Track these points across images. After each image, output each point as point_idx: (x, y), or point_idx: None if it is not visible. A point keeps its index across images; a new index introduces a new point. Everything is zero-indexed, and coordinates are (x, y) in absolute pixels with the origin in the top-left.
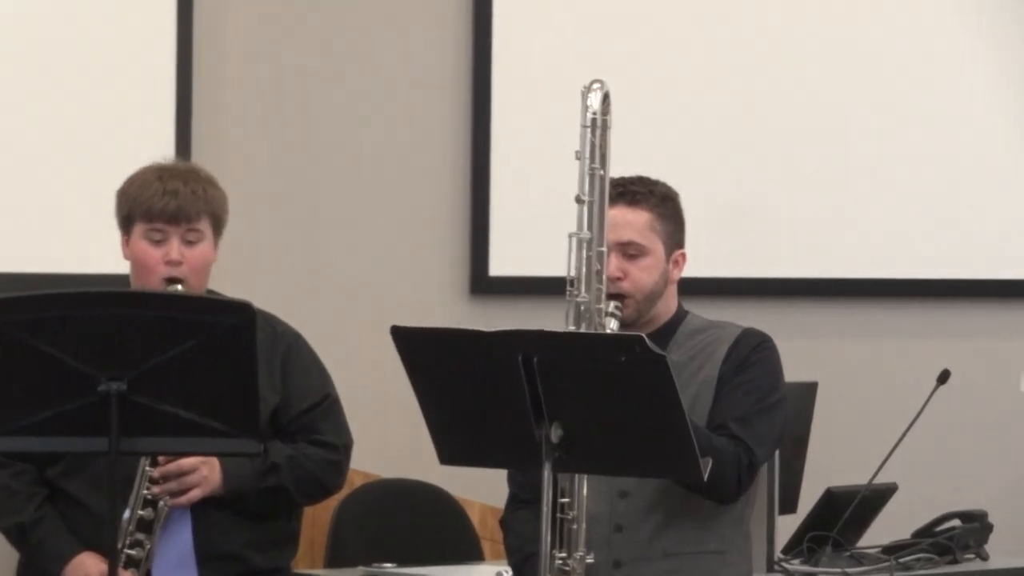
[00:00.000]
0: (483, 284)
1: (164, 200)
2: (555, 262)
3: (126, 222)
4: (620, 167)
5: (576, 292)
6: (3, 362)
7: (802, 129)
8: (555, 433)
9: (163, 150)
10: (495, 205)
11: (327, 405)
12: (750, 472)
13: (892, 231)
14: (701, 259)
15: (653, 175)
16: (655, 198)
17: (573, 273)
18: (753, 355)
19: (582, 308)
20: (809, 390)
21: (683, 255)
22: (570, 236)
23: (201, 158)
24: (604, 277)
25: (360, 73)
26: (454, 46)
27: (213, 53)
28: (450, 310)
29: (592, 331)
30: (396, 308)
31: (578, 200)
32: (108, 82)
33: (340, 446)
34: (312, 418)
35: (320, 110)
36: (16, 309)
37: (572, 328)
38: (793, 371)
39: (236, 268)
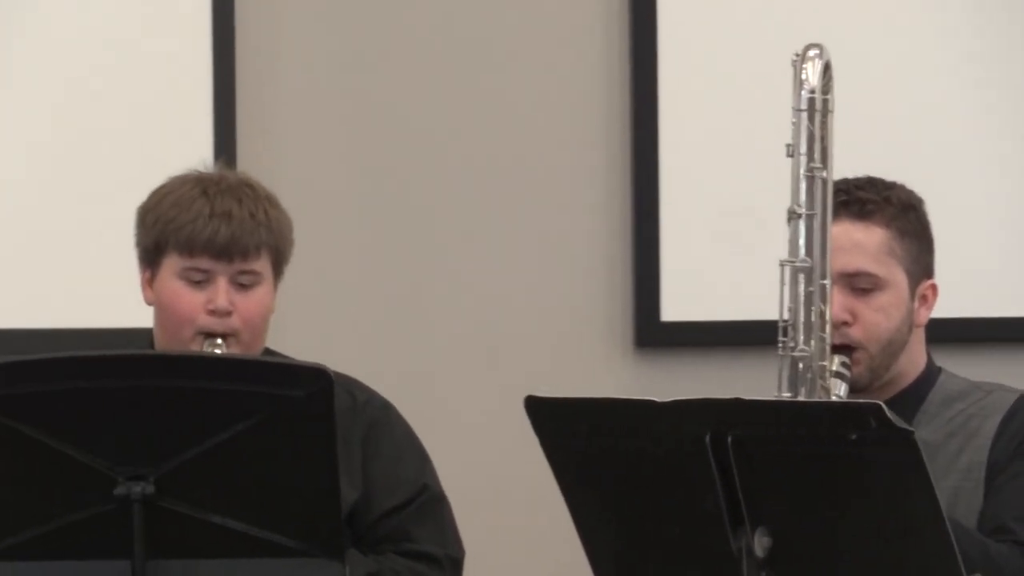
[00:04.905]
0: (653, 333)
1: (212, 226)
2: (752, 302)
3: (152, 252)
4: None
5: (791, 343)
6: None
7: None
8: (760, 543)
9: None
10: (666, 223)
11: (425, 502)
12: None
13: None
14: (956, 291)
15: (881, 174)
16: (893, 208)
17: (787, 316)
18: None
19: (801, 366)
20: None
21: (933, 287)
22: (782, 264)
23: (248, 167)
24: (828, 322)
25: (483, 68)
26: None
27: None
28: (608, 369)
29: (813, 399)
30: (535, 369)
31: (791, 214)
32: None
33: (443, 559)
34: (404, 520)
35: (426, 107)
36: None
37: (787, 394)
38: None
39: (301, 319)
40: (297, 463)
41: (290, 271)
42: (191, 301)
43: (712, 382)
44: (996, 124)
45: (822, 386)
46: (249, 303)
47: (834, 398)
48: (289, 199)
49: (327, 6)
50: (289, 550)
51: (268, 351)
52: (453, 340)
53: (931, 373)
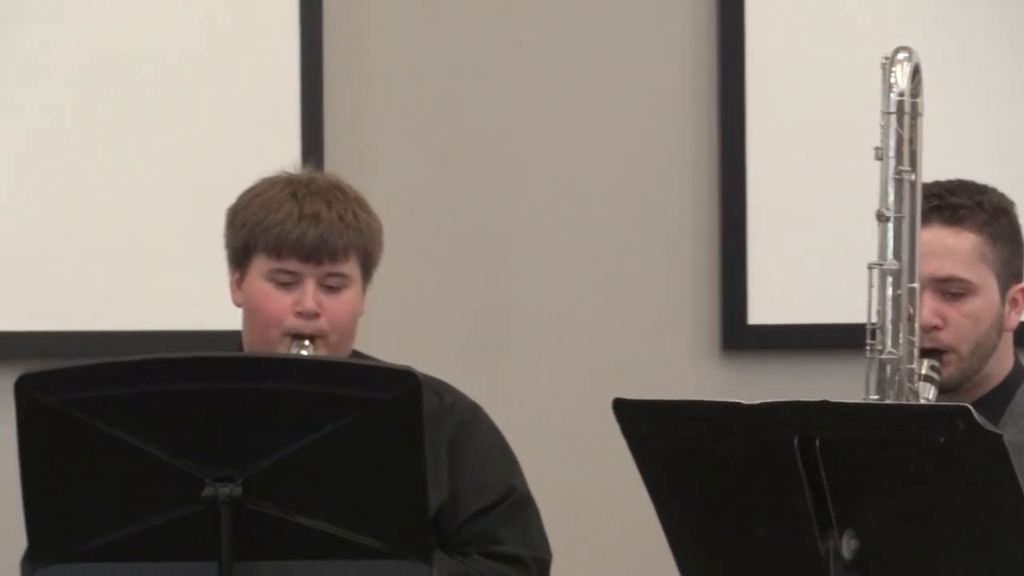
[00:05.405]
0: (740, 337)
1: (300, 228)
2: (839, 305)
3: (241, 254)
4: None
5: (880, 346)
6: (65, 458)
7: None
8: (848, 546)
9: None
10: (753, 226)
11: (512, 503)
12: None
13: None
14: None
15: (975, 178)
16: (985, 213)
17: (875, 319)
18: None
19: (888, 369)
20: None
21: (1023, 292)
22: (870, 267)
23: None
24: (917, 325)
25: (571, 76)
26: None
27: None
28: (696, 373)
29: (902, 401)
30: (623, 372)
31: (880, 217)
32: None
33: (530, 561)
34: (491, 522)
35: (514, 112)
36: (83, 384)
37: (875, 397)
38: None
39: (388, 321)
40: (385, 465)
41: (378, 273)
42: (279, 303)
43: (799, 385)
44: None
45: (910, 389)
46: (337, 305)
47: (923, 401)
48: (376, 202)
49: (414, 9)
50: (376, 552)
51: (356, 353)
52: (540, 343)
53: (1018, 374)
